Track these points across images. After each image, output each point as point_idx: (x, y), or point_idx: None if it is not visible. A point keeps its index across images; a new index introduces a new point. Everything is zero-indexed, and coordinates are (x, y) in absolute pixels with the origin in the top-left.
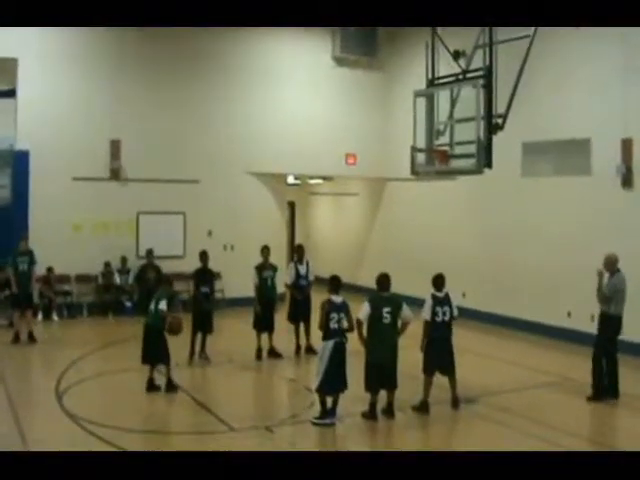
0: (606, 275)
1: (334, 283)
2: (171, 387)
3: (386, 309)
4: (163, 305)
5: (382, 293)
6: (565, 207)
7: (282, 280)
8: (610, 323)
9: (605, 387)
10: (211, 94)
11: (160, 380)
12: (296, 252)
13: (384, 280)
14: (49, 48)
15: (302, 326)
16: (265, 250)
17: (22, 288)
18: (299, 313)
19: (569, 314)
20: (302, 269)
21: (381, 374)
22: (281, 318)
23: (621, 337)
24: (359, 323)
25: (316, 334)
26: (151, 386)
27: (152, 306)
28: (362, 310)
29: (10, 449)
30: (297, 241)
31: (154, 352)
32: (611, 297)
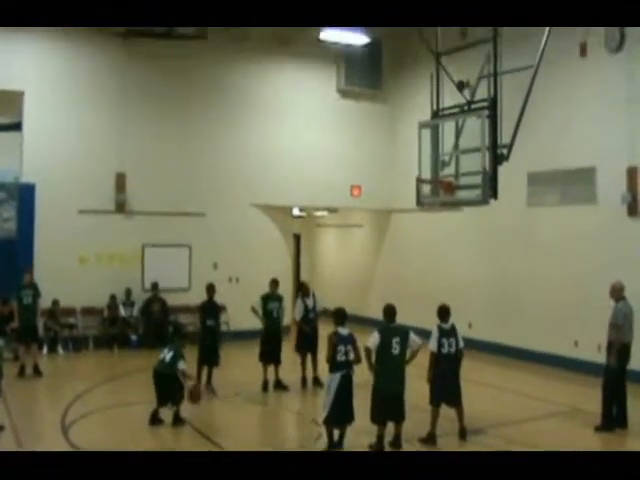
0: (612, 303)
1: (339, 315)
2: (178, 420)
3: (395, 339)
4: (182, 365)
5: (390, 323)
6: (571, 236)
7: (288, 309)
8: (619, 351)
9: (614, 416)
10: (217, 127)
11: (164, 413)
12: (301, 289)
13: (391, 310)
14: (55, 81)
15: (309, 357)
16: (274, 283)
17: (27, 321)
18: (306, 345)
19: (576, 344)
20: (310, 302)
21: (389, 406)
22: (287, 350)
23: (629, 366)
24: (368, 352)
25: (323, 365)
26: (154, 419)
27: (165, 356)
28: (372, 339)
29: None
30: (303, 273)
31: (168, 396)
32: (622, 325)
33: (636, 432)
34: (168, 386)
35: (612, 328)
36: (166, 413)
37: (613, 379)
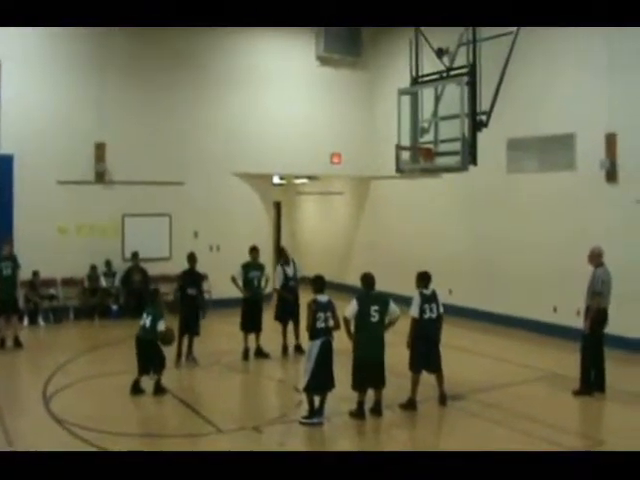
0: (590, 269)
1: (318, 282)
2: (160, 390)
3: (374, 307)
4: (162, 326)
5: (369, 291)
6: (550, 202)
7: (270, 278)
8: (597, 317)
9: (592, 381)
10: (195, 95)
11: (146, 383)
12: (281, 255)
13: (369, 278)
14: (32, 51)
15: (291, 325)
16: (254, 251)
17: (7, 293)
18: (287, 313)
19: (555, 309)
20: (289, 270)
21: (369, 372)
22: (268, 318)
23: (606, 331)
24: (346, 321)
25: (305, 333)
26: (136, 389)
27: (145, 322)
28: (349, 308)
29: None
30: (283, 241)
31: (150, 363)
32: (601, 291)
33: (614, 396)
34: (150, 353)
35: (590, 294)
36: (147, 383)
37: (591, 344)
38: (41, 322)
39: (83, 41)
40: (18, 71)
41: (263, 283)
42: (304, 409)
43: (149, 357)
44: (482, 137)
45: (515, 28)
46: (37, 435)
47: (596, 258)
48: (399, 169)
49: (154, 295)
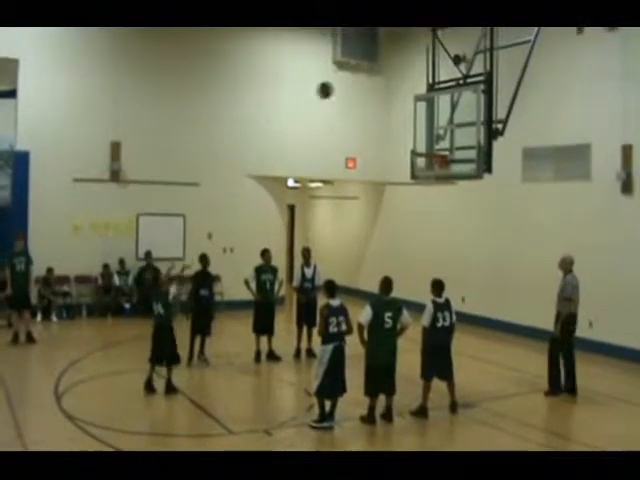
0: (560, 275)
1: (329, 287)
2: (171, 389)
3: (388, 314)
4: (159, 308)
5: (384, 297)
6: (565, 212)
7: (283, 281)
8: (567, 321)
9: (563, 384)
10: (213, 96)
11: (157, 382)
12: (303, 255)
13: (388, 283)
14: (50, 49)
15: (305, 329)
16: (266, 253)
17: (20, 288)
18: (303, 317)
19: None
20: (308, 272)
21: (381, 378)
22: (281, 321)
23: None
24: (360, 327)
25: (317, 337)
26: (149, 387)
27: (159, 310)
28: (364, 314)
29: (8, 450)
30: (297, 244)
31: (166, 350)
32: (571, 297)
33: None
34: (167, 339)
35: (561, 300)
36: (159, 382)
37: (558, 347)
38: (54, 318)
39: (100, 40)
40: (35, 69)
41: (276, 286)
42: (315, 413)
43: (166, 343)
44: (498, 145)
45: (532, 37)
46: (47, 430)
47: (567, 265)
48: (414, 175)
49: (156, 279)
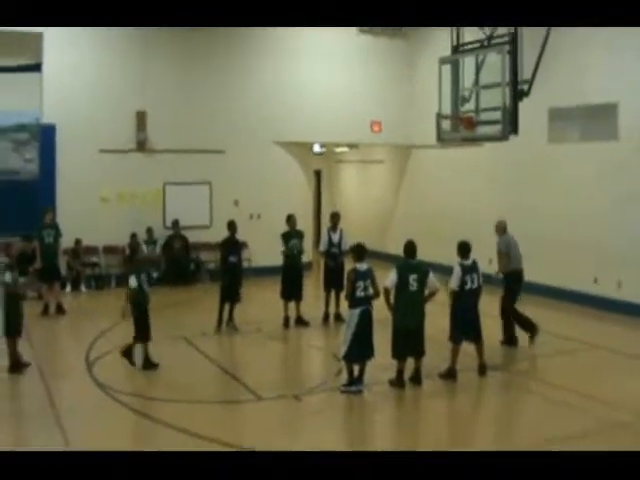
0: (496, 238)
1: (358, 251)
2: (150, 364)
3: (413, 276)
4: (132, 281)
5: (409, 260)
6: (592, 172)
7: (308, 247)
8: (510, 277)
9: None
10: (236, 63)
11: (138, 357)
12: (330, 219)
13: (411, 247)
14: None
15: (333, 294)
16: (291, 219)
17: (49, 260)
18: (330, 281)
19: (595, 280)
20: (335, 237)
21: (409, 341)
22: (309, 286)
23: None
24: (386, 291)
25: (345, 302)
26: (149, 364)
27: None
28: (389, 278)
29: (41, 418)
30: (324, 209)
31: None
32: (508, 252)
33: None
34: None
35: (499, 257)
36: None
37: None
38: (83, 289)
39: None
40: (59, 41)
41: (302, 250)
42: (344, 377)
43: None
44: (523, 106)
45: None
46: (78, 398)
47: (501, 229)
48: (440, 138)
49: (132, 259)
